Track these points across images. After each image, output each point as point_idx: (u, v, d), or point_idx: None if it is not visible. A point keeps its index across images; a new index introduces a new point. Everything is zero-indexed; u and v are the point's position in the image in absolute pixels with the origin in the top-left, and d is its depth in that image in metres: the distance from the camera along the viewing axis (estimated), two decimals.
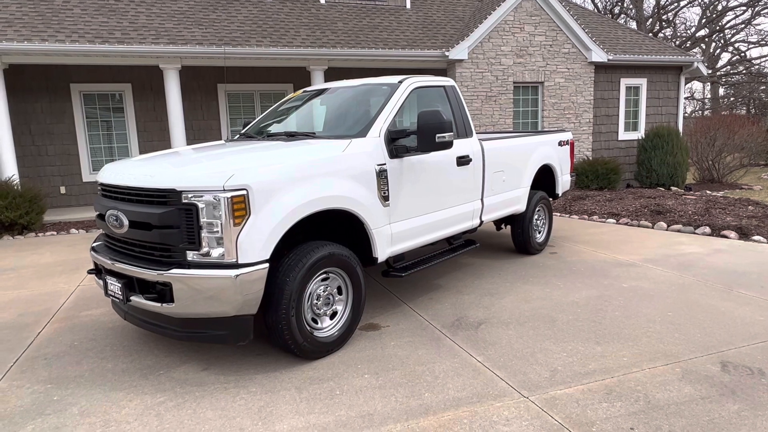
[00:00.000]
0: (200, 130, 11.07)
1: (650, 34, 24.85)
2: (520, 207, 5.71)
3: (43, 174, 10.24)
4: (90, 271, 3.77)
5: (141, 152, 10.69)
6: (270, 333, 3.30)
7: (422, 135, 3.85)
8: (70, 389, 3.13)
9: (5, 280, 5.62)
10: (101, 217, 3.51)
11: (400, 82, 4.36)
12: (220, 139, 10.88)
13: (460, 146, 4.61)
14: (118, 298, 3.30)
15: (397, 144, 3.92)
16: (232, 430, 2.66)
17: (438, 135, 3.84)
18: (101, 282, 3.50)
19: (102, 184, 3.62)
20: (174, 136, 9.77)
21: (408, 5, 12.87)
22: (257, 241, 3.02)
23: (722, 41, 29.40)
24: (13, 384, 3.22)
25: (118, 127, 10.73)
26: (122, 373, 3.32)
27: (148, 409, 2.88)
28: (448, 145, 3.97)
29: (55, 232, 8.32)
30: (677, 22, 29.90)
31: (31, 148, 10.16)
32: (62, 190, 10.41)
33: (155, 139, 10.80)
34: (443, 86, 4.74)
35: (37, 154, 10.22)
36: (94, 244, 3.74)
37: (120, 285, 3.23)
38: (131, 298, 3.21)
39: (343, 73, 10.78)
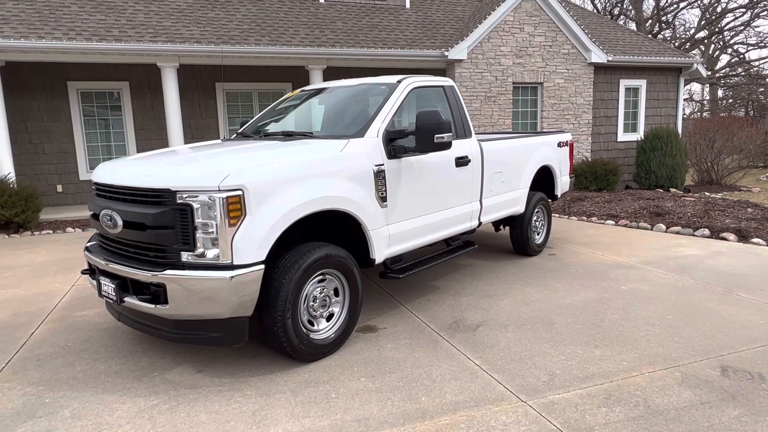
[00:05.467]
0: (198, 129, 11.02)
1: (650, 36, 24.86)
2: (519, 208, 5.68)
3: (39, 172, 10.18)
4: (84, 272, 3.73)
5: (138, 151, 10.63)
6: (265, 335, 3.26)
7: (421, 135, 3.81)
8: (62, 391, 3.09)
9: (0, 279, 5.58)
10: (95, 216, 3.47)
11: (399, 81, 4.33)
12: (218, 138, 10.83)
13: (459, 147, 4.57)
14: (111, 299, 3.26)
15: (395, 144, 3.88)
16: None
17: (437, 135, 3.80)
18: (95, 282, 3.46)
19: (96, 184, 3.57)
20: (171, 134, 9.72)
21: (407, 5, 12.83)
22: (253, 242, 2.98)
23: (721, 43, 29.43)
24: (5, 386, 3.18)
25: (115, 125, 10.67)
26: (115, 375, 3.28)
27: (141, 412, 2.84)
28: (446, 145, 3.93)
29: (51, 231, 8.26)
30: (677, 23, 29.97)
31: (28, 146, 10.10)
32: (59, 188, 10.35)
33: (153, 137, 10.75)
34: (442, 86, 4.70)
35: (34, 152, 10.16)
36: (88, 244, 3.69)
37: (114, 286, 3.19)
38: (125, 299, 3.17)
39: (342, 73, 10.73)
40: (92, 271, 3.58)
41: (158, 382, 3.17)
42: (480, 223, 5.03)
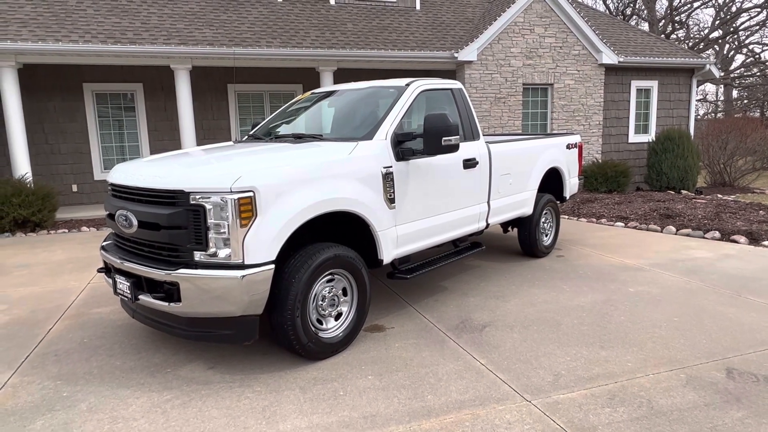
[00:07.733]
0: (210, 130, 11.16)
1: (662, 36, 24.66)
2: (527, 210, 5.70)
3: (55, 172, 10.38)
4: (100, 270, 3.84)
5: (152, 152, 10.80)
6: (275, 333, 3.34)
7: (429, 138, 3.87)
8: (79, 386, 3.19)
9: (18, 276, 5.72)
10: (111, 216, 3.56)
11: (407, 84, 4.38)
12: (230, 138, 10.96)
13: (467, 149, 4.62)
14: (126, 297, 3.35)
15: (403, 147, 3.94)
16: (237, 428, 2.70)
17: (444, 138, 3.86)
18: (110, 280, 3.56)
19: (112, 184, 3.67)
20: (184, 135, 9.86)
21: (417, 6, 12.87)
22: (263, 242, 3.06)
23: (736, 43, 29.10)
24: (24, 380, 3.28)
25: (129, 126, 10.85)
26: (130, 371, 3.38)
27: (155, 406, 2.93)
28: (454, 148, 3.98)
29: (66, 230, 8.43)
30: (690, 23, 29.64)
31: (44, 146, 10.30)
32: (74, 188, 10.54)
33: (166, 138, 10.91)
34: (450, 89, 4.75)
35: (50, 152, 10.36)
36: (104, 243, 3.79)
37: (129, 284, 3.29)
38: (139, 296, 3.26)
39: (353, 74, 10.81)
40: (108, 270, 3.68)
41: (171, 378, 3.26)
42: (488, 225, 5.07)
